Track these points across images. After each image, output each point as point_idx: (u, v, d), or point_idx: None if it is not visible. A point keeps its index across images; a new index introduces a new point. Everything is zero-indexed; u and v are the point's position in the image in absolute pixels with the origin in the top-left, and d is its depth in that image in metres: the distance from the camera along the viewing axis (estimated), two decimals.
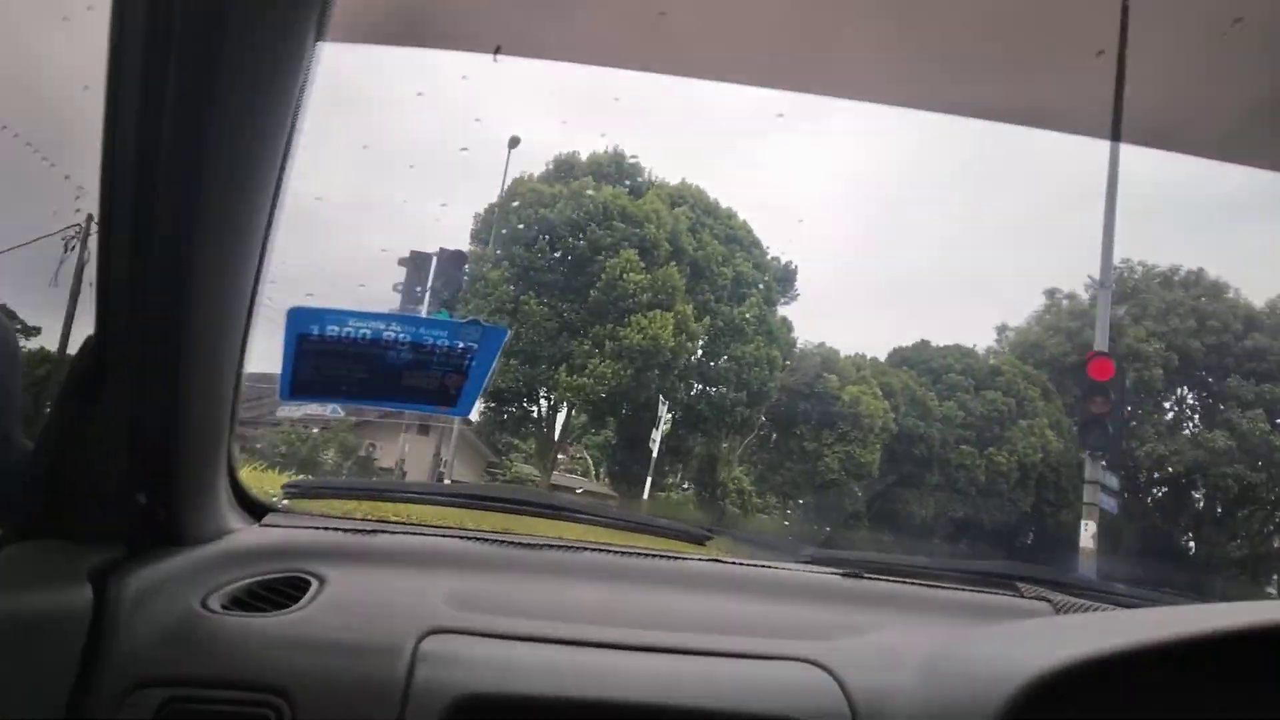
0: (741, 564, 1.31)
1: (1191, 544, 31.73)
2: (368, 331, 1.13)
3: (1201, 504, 29.79)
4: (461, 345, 1.16)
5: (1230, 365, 28.80)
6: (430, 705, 0.86)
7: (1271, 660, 0.83)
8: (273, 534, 1.18)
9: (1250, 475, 28.05)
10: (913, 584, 1.32)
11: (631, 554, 1.28)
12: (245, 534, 1.15)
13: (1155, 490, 31.66)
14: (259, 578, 1.04)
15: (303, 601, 1.00)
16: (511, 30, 1.57)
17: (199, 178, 0.82)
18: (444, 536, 1.25)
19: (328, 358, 1.12)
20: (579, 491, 18.59)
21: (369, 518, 1.39)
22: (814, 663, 0.96)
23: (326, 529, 1.21)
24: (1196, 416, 29.88)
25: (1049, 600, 1.25)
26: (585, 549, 1.27)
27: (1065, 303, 27.65)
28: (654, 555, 1.28)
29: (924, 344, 27.87)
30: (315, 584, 1.05)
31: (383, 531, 1.22)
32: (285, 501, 1.33)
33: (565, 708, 0.88)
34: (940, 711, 0.85)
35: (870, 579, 1.30)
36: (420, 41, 1.51)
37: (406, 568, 1.13)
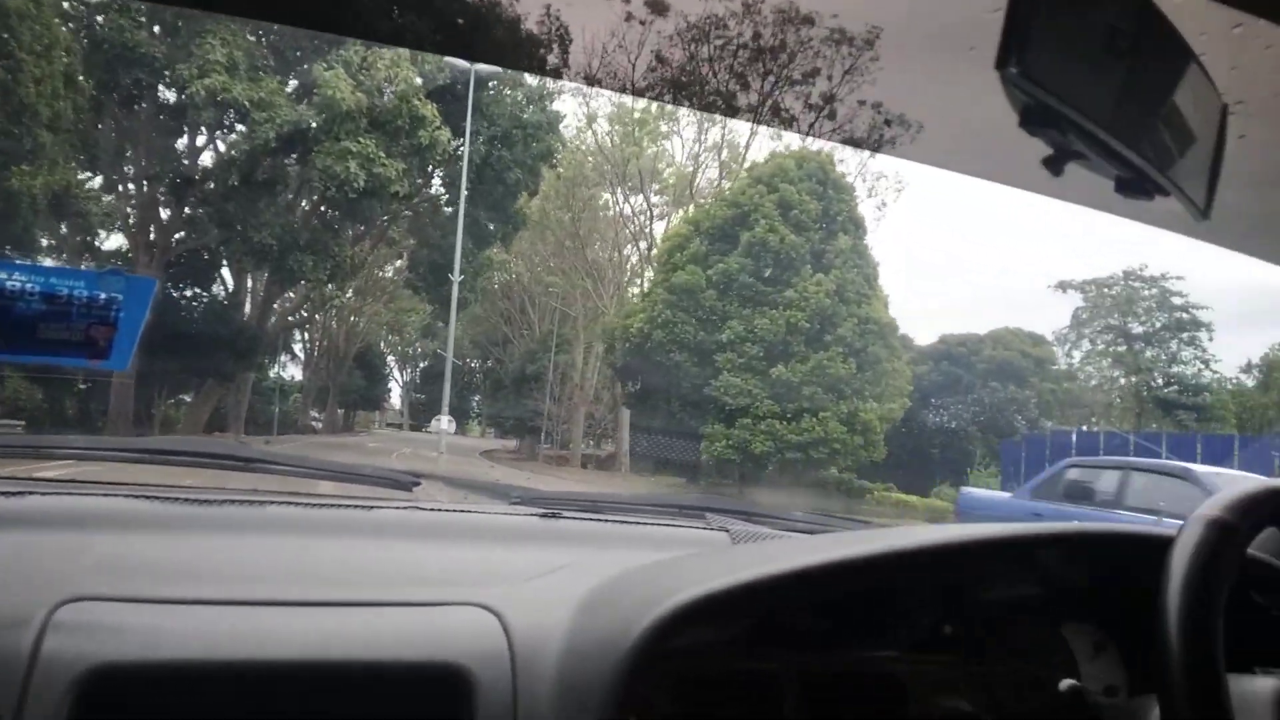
0: (440, 509, 1.37)
1: None
2: None
3: None
4: (104, 296, 1.22)
5: None
6: (58, 678, 0.84)
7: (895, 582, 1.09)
8: None
9: None
10: (608, 521, 1.48)
11: (322, 505, 1.31)
12: None
13: None
14: None
15: None
16: None
17: None
18: (107, 496, 1.21)
19: None
20: None
21: (20, 477, 1.27)
22: (483, 606, 1.00)
23: None
24: None
25: (728, 530, 1.44)
26: (270, 502, 1.27)
27: None
28: (348, 505, 1.31)
29: None
30: None
31: (33, 493, 1.17)
32: None
33: (212, 671, 0.89)
34: (588, 645, 0.93)
35: (568, 518, 1.43)
36: None
37: (56, 532, 1.09)
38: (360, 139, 17.84)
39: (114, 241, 21.13)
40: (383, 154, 18.12)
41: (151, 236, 20.35)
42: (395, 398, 55.16)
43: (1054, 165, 0.66)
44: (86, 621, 0.89)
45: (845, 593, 1.06)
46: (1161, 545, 0.89)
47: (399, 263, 30.56)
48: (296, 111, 17.79)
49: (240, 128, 18.21)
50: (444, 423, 22.00)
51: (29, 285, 1.19)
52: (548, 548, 1.28)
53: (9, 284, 1.18)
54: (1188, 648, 0.82)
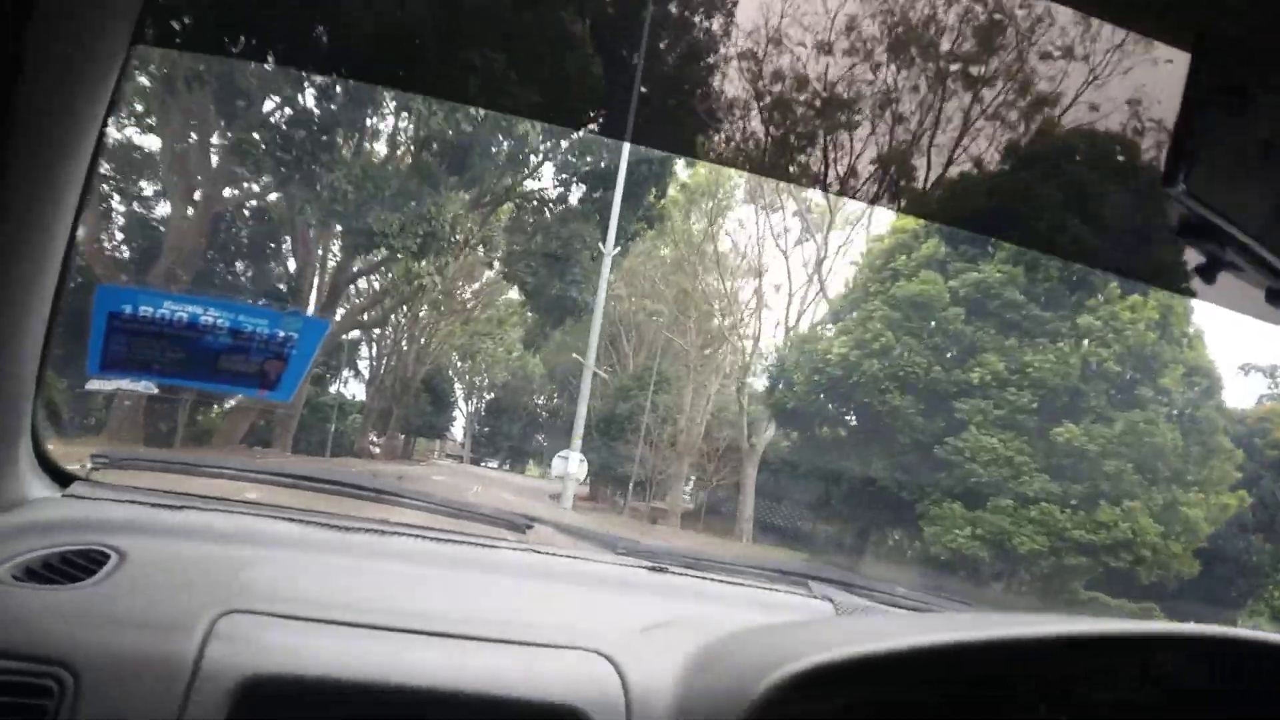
0: (554, 554, 1.48)
1: None
2: (184, 314, 1.28)
3: None
4: (282, 334, 1.33)
5: None
6: (218, 684, 0.91)
7: (1019, 669, 1.05)
8: (75, 505, 1.26)
9: None
10: (713, 579, 1.52)
11: (446, 540, 1.42)
12: (45, 504, 1.24)
13: None
14: (55, 549, 1.11)
15: (98, 575, 1.06)
16: None
17: (3, 164, 0.91)
18: (255, 515, 1.35)
19: (140, 336, 1.26)
20: None
21: (182, 493, 1.42)
22: (600, 653, 1.08)
23: (132, 502, 1.31)
24: None
25: (832, 600, 1.48)
26: (399, 533, 1.40)
27: None
28: (469, 542, 1.43)
29: None
30: (114, 558, 1.11)
31: (191, 508, 1.32)
32: (93, 472, 1.42)
33: (355, 691, 0.95)
34: (703, 701, 0.98)
35: (674, 573, 1.50)
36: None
37: (211, 545, 1.21)
38: (487, 50, 12.65)
39: (134, 174, 15.79)
40: (514, 74, 12.90)
41: (194, 179, 15.27)
42: (457, 429, 49.61)
43: (1207, 274, 0.68)
44: (242, 633, 0.97)
45: (957, 675, 1.04)
46: None
47: (490, 273, 25.41)
48: None
49: (316, 23, 13.22)
50: (573, 463, 15.78)
51: (220, 320, 1.28)
52: (656, 600, 1.36)
53: (203, 318, 1.28)
54: None
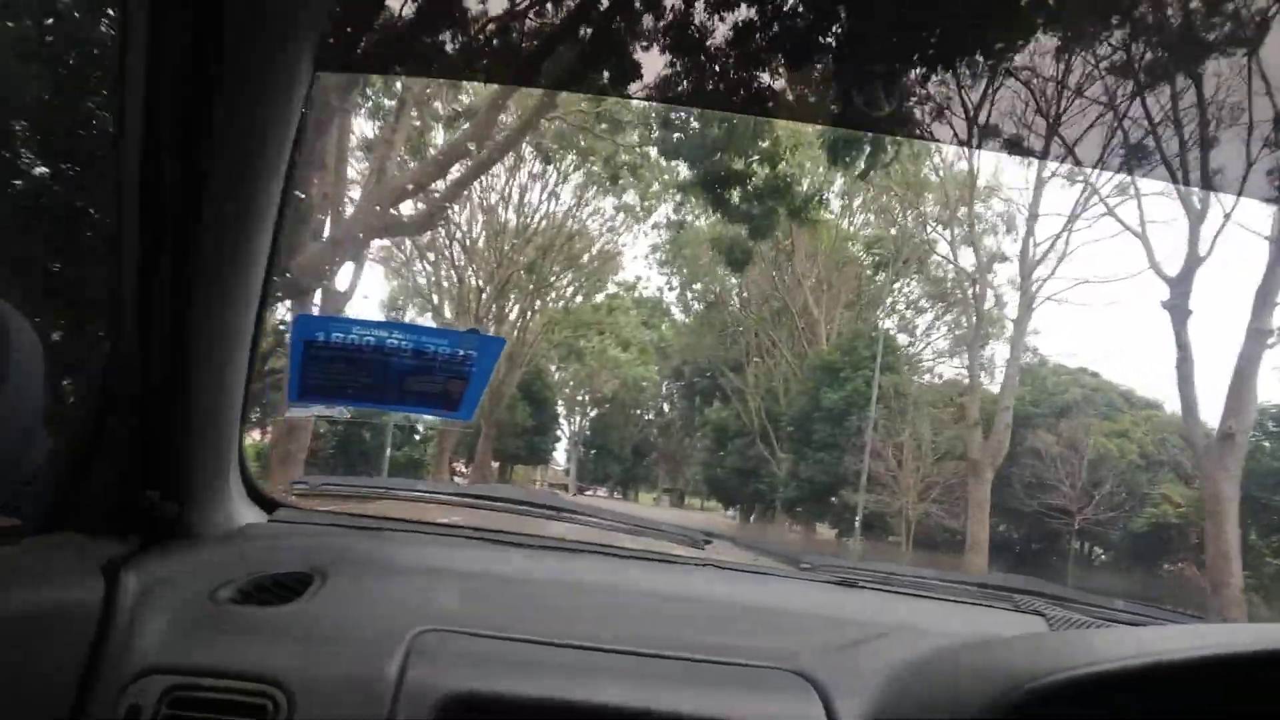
0: (737, 569, 1.49)
1: None
2: (371, 339, 1.33)
3: None
4: (462, 353, 1.37)
5: None
6: (421, 701, 0.96)
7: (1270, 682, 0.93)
8: (281, 530, 1.38)
9: None
10: (907, 594, 1.48)
11: (630, 557, 1.48)
12: (254, 529, 1.34)
13: None
14: (265, 572, 1.19)
15: (304, 597, 1.14)
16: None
17: (201, 199, 0.98)
18: (448, 536, 1.47)
19: (334, 363, 1.33)
20: None
21: (376, 516, 1.52)
22: (798, 672, 1.06)
23: (333, 525, 1.44)
24: None
25: (1044, 615, 1.39)
26: (584, 551, 1.48)
27: None
28: (652, 559, 1.48)
29: None
30: (317, 580, 1.19)
31: (387, 530, 1.44)
32: (295, 498, 1.53)
33: (552, 708, 0.98)
34: None
35: (865, 588, 1.47)
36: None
37: (409, 566, 1.30)
38: None
39: None
40: None
41: None
42: (559, 451, 40.00)
43: None
44: (442, 651, 1.03)
45: (1195, 694, 0.94)
46: None
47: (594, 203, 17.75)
48: None
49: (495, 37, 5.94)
50: None
51: (404, 342, 1.33)
52: (849, 616, 1.31)
53: (389, 341, 1.33)
54: None
